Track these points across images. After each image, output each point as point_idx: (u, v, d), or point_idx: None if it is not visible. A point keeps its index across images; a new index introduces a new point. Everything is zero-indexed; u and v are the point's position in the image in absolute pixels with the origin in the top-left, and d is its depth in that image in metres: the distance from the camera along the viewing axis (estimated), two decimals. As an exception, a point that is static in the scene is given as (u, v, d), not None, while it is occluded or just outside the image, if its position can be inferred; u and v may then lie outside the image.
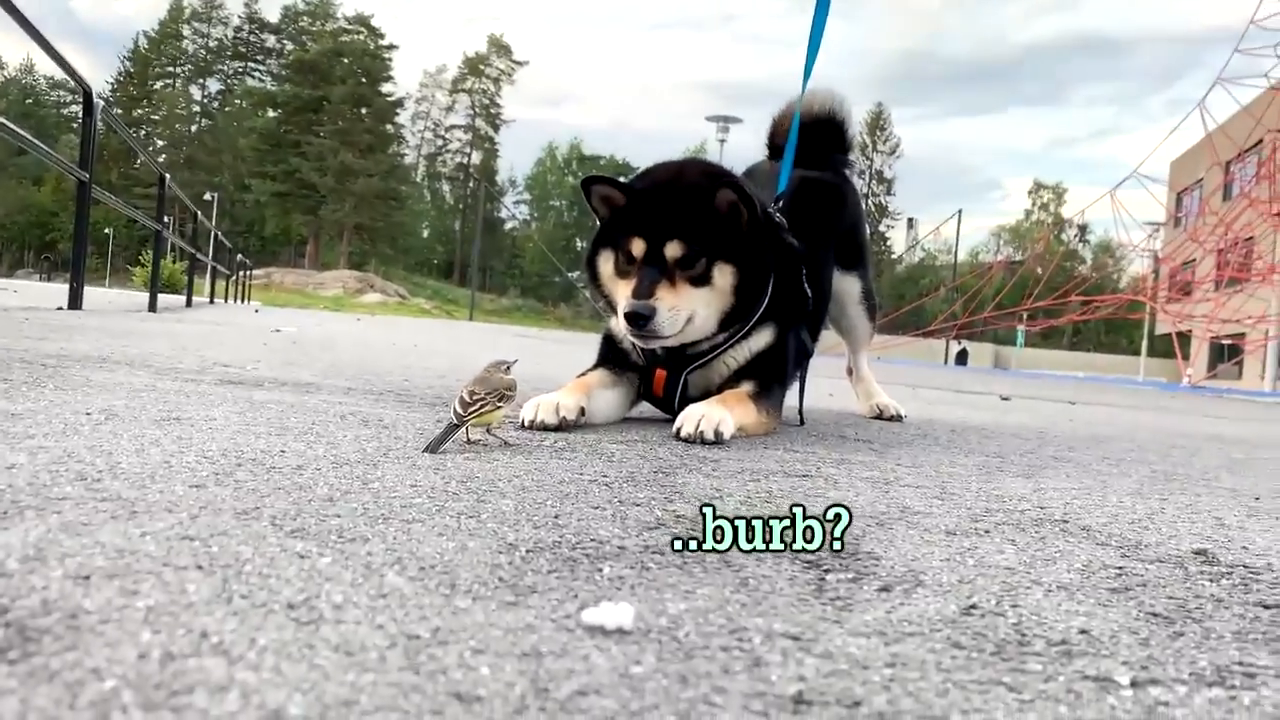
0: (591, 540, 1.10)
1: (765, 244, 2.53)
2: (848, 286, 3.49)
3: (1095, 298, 41.27)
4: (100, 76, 79.72)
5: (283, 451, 1.64)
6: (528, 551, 1.02)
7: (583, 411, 2.47)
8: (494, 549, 1.03)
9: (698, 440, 2.23)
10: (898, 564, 1.09)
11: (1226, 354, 36.84)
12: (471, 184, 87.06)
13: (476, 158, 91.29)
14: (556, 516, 1.23)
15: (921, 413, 4.23)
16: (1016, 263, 58.25)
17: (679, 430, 2.27)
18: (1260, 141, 32.95)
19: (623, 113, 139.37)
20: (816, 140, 3.52)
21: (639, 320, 2.34)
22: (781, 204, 2.84)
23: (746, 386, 2.59)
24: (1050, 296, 39.72)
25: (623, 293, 2.44)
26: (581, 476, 1.60)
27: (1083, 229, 77.57)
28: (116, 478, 1.27)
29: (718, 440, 2.24)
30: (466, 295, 58.35)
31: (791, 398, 2.99)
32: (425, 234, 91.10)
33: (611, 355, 2.74)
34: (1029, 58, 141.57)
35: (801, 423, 3.01)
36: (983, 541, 1.27)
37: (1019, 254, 72.76)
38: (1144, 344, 42.83)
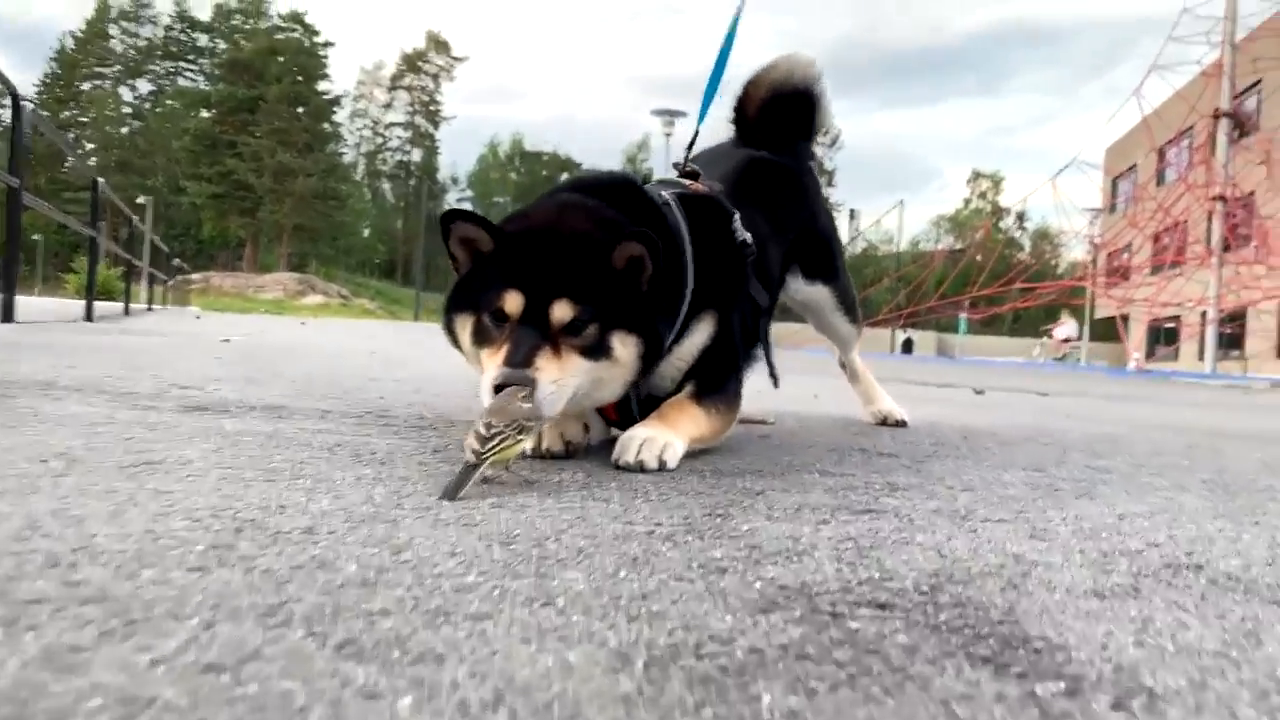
0: (710, 637, 0.89)
1: (668, 301, 2.15)
2: (820, 296, 3.21)
3: (1038, 285, 41.78)
4: (26, 79, 77.43)
5: (282, 507, 1.40)
6: (646, 665, 0.81)
7: (586, 430, 2.26)
8: (604, 664, 0.81)
9: (638, 469, 1.96)
10: (1095, 657, 0.90)
11: (1164, 337, 37.53)
12: (413, 182, 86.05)
13: (417, 155, 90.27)
14: (644, 596, 1.02)
15: (909, 412, 4.04)
16: (957, 251, 58.89)
17: (617, 459, 1.99)
18: (1192, 127, 33.53)
19: (566, 107, 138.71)
20: (784, 118, 3.20)
21: None
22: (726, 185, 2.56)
23: (690, 388, 2.28)
24: (993, 284, 40.14)
25: (490, 359, 1.92)
26: (634, 528, 1.39)
27: (1020, 216, 78.61)
28: (96, 561, 1.03)
29: (661, 469, 1.98)
30: (409, 295, 57.63)
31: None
32: (366, 233, 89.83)
33: None
34: (967, 46, 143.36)
35: (775, 385, 2.69)
36: (1148, 607, 1.08)
37: (959, 243, 73.66)
38: (1085, 329, 43.42)
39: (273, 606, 0.92)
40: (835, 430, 3.21)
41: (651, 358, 2.05)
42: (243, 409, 2.75)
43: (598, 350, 1.94)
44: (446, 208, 2.07)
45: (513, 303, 1.91)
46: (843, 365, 3.70)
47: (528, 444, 2.10)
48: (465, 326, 2.01)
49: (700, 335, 2.30)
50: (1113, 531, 1.56)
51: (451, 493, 1.56)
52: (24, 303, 10.80)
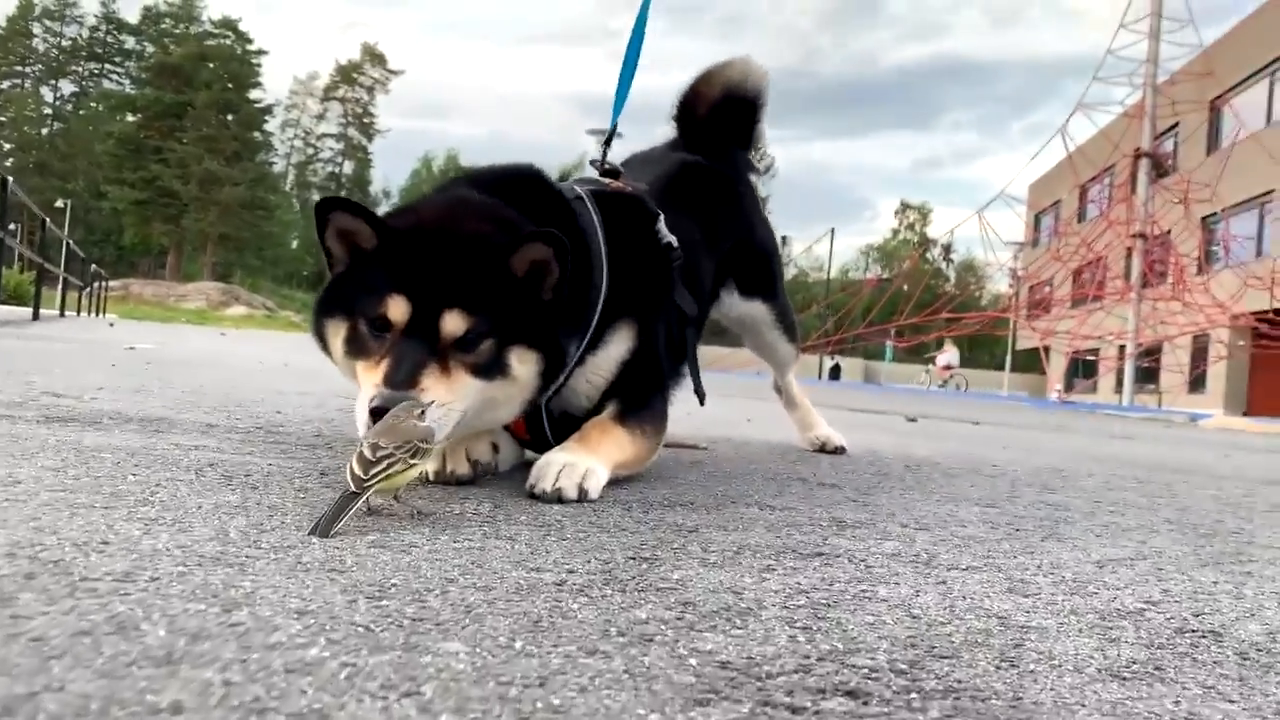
0: (627, 750, 0.65)
1: (574, 309, 1.91)
2: (756, 313, 2.98)
3: (965, 315, 42.37)
4: (-60, 74, 74.78)
5: (105, 543, 1.13)
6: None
7: (496, 449, 2.00)
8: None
9: (555, 499, 1.71)
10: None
11: (1082, 369, 38.24)
12: (344, 194, 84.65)
13: (349, 168, 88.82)
14: (542, 681, 0.77)
15: (846, 438, 3.84)
16: (885, 280, 59.62)
17: (533, 487, 1.74)
18: (1114, 165, 34.35)
19: (501, 125, 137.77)
20: (730, 123, 3.00)
21: None
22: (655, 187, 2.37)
23: (612, 408, 2.04)
24: (920, 313, 40.69)
25: (368, 375, 1.66)
26: (540, 576, 1.14)
27: (947, 248, 79.76)
28: None
29: (582, 498, 1.72)
30: (339, 309, 56.22)
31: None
32: (294, 245, 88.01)
33: None
34: (898, 81, 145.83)
35: (701, 403, 2.48)
36: (1184, 696, 0.86)
37: (887, 272, 74.57)
38: (1008, 359, 44.14)
39: (14, 700, 0.65)
40: (772, 457, 3.00)
41: (552, 375, 1.82)
42: (116, 421, 2.45)
43: (492, 368, 1.70)
44: (321, 196, 1.79)
45: (397, 310, 1.65)
46: (778, 389, 3.49)
47: (429, 467, 1.84)
48: (338, 334, 1.75)
49: (618, 346, 2.06)
50: (1099, 584, 1.35)
51: (324, 528, 1.29)
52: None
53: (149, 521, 1.28)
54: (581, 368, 2.02)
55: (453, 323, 1.65)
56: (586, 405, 2.08)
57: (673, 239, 2.21)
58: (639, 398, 2.10)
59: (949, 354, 33.00)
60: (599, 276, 1.99)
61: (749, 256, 2.92)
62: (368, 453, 1.42)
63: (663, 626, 0.95)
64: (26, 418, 2.34)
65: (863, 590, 1.19)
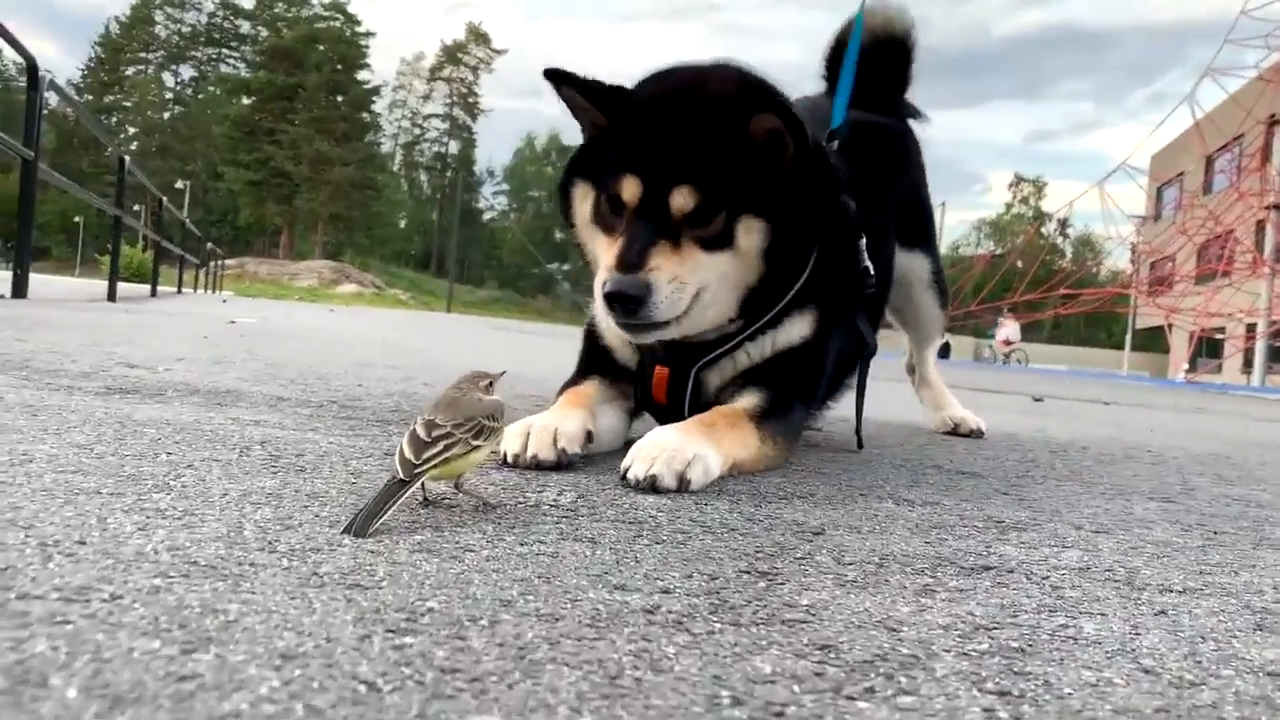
0: None
1: (813, 191, 1.76)
2: (914, 266, 2.73)
3: (1083, 291, 40.73)
4: (72, 63, 78.08)
5: (81, 543, 0.89)
6: None
7: (589, 438, 1.71)
8: None
9: (648, 489, 1.44)
10: None
11: (1205, 348, 36.32)
12: (449, 174, 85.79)
13: (454, 147, 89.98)
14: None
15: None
16: (999, 256, 57.81)
17: (625, 472, 1.48)
18: (1243, 135, 32.49)
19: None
20: (883, 70, 2.73)
21: (626, 304, 1.60)
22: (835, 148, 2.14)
23: (749, 399, 1.79)
24: (1036, 290, 39.29)
25: (605, 255, 1.69)
26: (626, 598, 0.86)
27: (1063, 223, 76.91)
28: None
29: (681, 489, 1.45)
30: (444, 286, 57.23)
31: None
32: (402, 224, 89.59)
33: (598, 357, 1.97)
34: (1010, 50, 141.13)
35: (860, 446, 2.30)
36: None
37: (1000, 248, 72.39)
38: (1128, 338, 42.33)
39: None
40: (898, 439, 2.67)
41: (779, 255, 1.73)
42: (181, 393, 2.26)
43: (723, 240, 1.68)
44: (548, 67, 1.77)
45: (629, 190, 1.67)
46: (911, 371, 3.16)
47: (507, 447, 1.58)
48: (586, 199, 1.79)
49: (788, 331, 1.87)
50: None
51: (361, 525, 1.04)
52: (57, 282, 10.40)
53: (153, 513, 1.04)
54: (750, 341, 1.86)
55: (681, 199, 1.64)
56: (718, 382, 1.88)
57: (869, 265, 2.04)
58: (783, 399, 1.86)
59: (1009, 328, 31.92)
60: (810, 252, 1.85)
61: (912, 212, 2.71)
62: (421, 432, 1.16)
63: (796, 689, 0.66)
64: (87, 389, 2.16)
65: (1061, 626, 0.88)
